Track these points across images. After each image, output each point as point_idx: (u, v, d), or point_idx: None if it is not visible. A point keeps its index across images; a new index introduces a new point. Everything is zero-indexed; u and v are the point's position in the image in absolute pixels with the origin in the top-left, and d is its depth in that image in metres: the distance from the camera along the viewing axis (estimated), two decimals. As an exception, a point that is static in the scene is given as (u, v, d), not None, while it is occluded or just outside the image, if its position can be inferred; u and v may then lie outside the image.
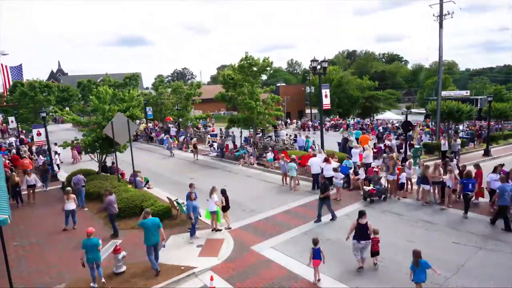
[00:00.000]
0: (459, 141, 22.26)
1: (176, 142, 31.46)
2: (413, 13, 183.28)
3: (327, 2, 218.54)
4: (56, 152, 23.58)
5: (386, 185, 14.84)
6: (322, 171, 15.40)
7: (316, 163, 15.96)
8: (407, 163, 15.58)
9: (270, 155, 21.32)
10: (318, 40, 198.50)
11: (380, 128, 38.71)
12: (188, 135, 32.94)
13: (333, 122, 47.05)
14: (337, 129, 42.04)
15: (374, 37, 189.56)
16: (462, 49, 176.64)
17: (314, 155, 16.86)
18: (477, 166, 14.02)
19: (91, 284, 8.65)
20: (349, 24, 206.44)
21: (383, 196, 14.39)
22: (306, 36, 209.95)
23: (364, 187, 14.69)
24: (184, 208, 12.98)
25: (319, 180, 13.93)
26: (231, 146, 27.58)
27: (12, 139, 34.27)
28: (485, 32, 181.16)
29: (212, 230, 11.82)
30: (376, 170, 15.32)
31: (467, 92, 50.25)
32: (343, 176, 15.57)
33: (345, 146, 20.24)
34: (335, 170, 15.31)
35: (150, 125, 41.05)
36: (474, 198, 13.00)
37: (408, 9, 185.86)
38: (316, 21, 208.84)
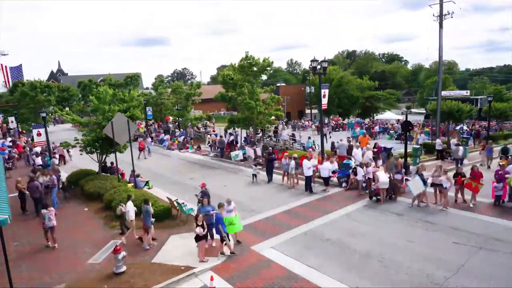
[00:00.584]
0: (454, 140, 22.18)
1: (176, 142, 31.47)
2: (418, 15, 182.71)
3: (326, 2, 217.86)
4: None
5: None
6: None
7: (307, 166, 15.96)
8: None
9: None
10: (319, 40, 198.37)
11: (376, 127, 38.68)
12: (188, 135, 32.96)
13: (333, 122, 46.95)
14: (337, 130, 42.00)
15: (375, 38, 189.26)
16: (462, 49, 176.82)
17: (306, 157, 16.97)
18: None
19: None
20: (349, 24, 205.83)
21: (388, 195, 14.34)
22: (307, 36, 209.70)
23: (372, 186, 14.60)
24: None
25: None
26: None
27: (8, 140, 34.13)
28: (486, 32, 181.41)
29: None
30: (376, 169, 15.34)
31: (467, 92, 50.27)
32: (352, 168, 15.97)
33: (350, 153, 20.02)
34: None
35: (152, 126, 41.03)
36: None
37: (413, 11, 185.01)
38: (317, 21, 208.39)
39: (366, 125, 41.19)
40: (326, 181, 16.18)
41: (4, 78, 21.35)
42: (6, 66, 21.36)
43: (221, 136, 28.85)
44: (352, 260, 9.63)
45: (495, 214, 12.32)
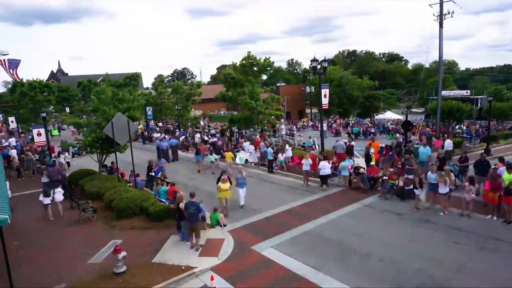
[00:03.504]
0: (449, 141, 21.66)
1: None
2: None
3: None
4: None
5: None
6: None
7: (325, 167, 16.25)
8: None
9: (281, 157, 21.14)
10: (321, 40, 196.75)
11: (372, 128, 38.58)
12: (188, 135, 32.92)
13: (332, 122, 46.77)
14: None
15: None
16: (463, 48, 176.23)
17: (320, 159, 17.33)
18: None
19: None
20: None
21: (398, 194, 14.42)
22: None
23: (386, 184, 14.70)
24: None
25: None
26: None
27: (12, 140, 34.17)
28: (486, 31, 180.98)
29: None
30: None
31: (467, 92, 50.23)
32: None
33: (351, 152, 19.98)
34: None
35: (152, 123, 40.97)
36: None
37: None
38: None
39: (366, 125, 41.08)
40: (325, 179, 16.33)
41: (8, 70, 21.55)
42: (4, 60, 21.56)
43: (222, 135, 28.87)
44: (352, 260, 9.63)
45: (495, 214, 12.28)
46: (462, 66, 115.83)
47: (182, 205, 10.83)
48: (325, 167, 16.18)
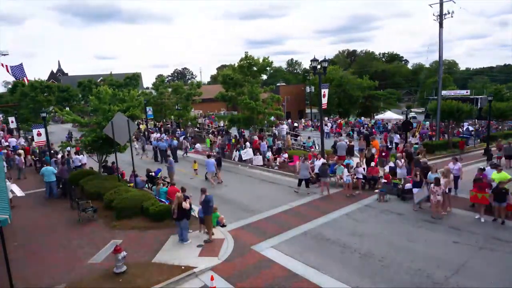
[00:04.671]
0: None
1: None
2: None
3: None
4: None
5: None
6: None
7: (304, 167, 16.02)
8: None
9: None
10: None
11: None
12: (188, 135, 32.92)
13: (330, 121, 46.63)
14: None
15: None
16: (468, 48, 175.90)
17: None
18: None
19: None
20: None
21: (398, 194, 14.45)
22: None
23: (382, 186, 14.69)
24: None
25: None
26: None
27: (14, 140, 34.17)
28: (486, 30, 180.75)
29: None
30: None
31: (467, 92, 50.15)
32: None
33: (351, 152, 20.02)
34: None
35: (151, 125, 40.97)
36: None
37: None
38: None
39: (366, 125, 41.06)
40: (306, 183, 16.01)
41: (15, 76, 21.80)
42: (7, 66, 21.59)
43: (222, 136, 28.88)
44: (352, 260, 9.63)
45: (483, 214, 12.25)
46: (462, 66, 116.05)
47: (186, 205, 10.80)
48: (304, 169, 15.83)
